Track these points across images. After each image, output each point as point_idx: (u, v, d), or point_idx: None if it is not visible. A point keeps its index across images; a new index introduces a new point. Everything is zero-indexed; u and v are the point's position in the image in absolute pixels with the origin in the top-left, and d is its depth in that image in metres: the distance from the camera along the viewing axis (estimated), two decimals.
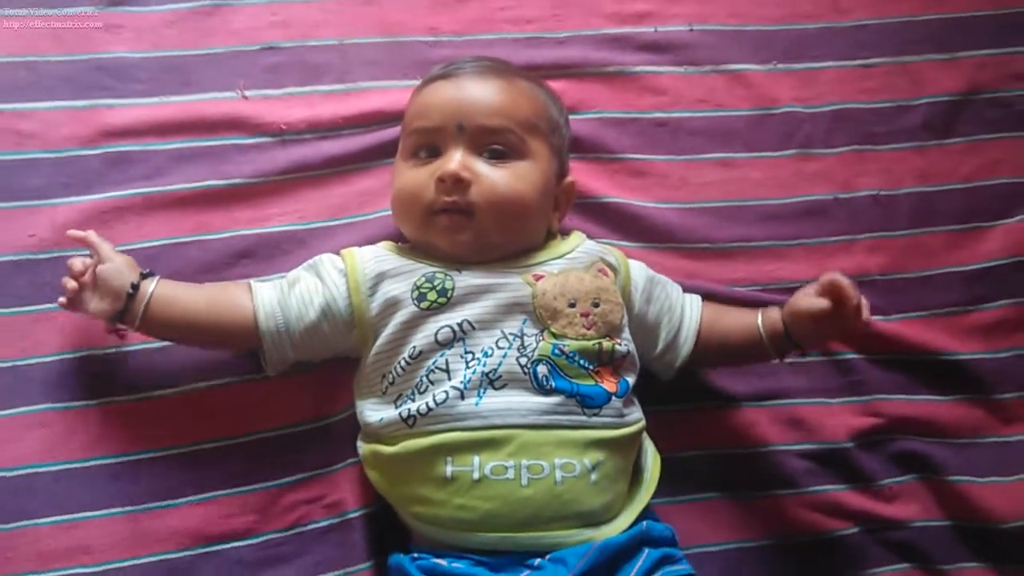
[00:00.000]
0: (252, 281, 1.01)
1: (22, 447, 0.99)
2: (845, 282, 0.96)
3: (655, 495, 1.00)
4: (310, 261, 1.02)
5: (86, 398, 1.01)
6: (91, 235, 0.97)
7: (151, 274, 0.96)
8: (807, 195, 1.20)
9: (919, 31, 1.28)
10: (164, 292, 0.95)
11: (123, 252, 0.99)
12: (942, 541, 1.12)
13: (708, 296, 1.10)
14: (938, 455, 1.14)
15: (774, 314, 1.03)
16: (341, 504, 1.02)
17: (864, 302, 0.98)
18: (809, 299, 0.98)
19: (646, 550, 0.92)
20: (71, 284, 0.95)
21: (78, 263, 0.95)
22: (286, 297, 0.97)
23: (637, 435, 0.97)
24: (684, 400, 1.12)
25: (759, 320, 1.04)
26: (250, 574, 1.00)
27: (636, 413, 0.97)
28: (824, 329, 1.00)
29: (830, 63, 1.25)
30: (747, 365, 1.13)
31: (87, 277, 0.94)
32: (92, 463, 1.00)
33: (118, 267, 0.95)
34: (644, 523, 0.94)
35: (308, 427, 1.04)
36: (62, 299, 0.96)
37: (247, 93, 1.13)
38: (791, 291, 1.10)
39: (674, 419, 1.10)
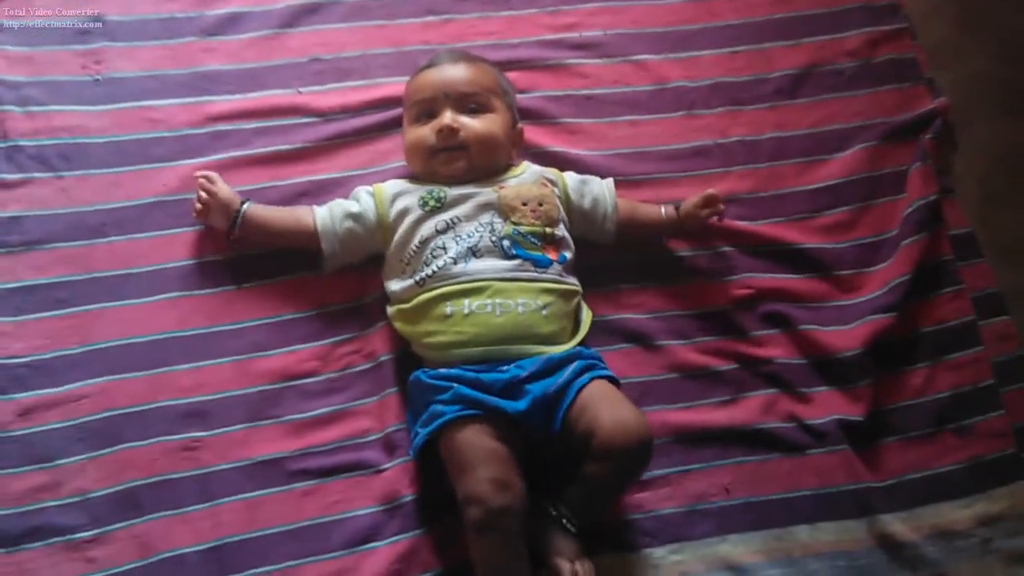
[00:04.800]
0: (313, 206, 1.39)
1: (163, 320, 1.36)
2: (718, 195, 1.41)
3: (591, 344, 1.35)
4: (352, 193, 1.40)
5: (206, 287, 1.38)
6: (212, 174, 1.37)
7: (247, 200, 1.38)
8: (694, 142, 1.56)
9: (772, 26, 1.67)
10: (254, 210, 1.37)
11: None
12: (799, 372, 1.42)
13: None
14: (794, 314, 1.45)
15: (671, 211, 1.43)
16: (375, 353, 1.36)
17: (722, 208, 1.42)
18: (698, 209, 1.40)
19: (577, 360, 1.26)
20: (198, 204, 1.36)
21: (203, 191, 1.36)
22: (334, 212, 1.37)
23: (574, 292, 1.34)
24: (612, 282, 1.45)
25: (662, 212, 1.44)
26: (316, 400, 1.34)
27: (573, 279, 1.35)
28: (701, 224, 1.42)
29: (707, 51, 1.64)
30: (649, 238, 1.47)
31: (211, 199, 1.35)
32: (210, 330, 1.36)
33: (229, 196, 1.37)
34: (577, 349, 1.31)
35: (352, 305, 1.40)
36: (198, 206, 1.36)
37: (301, 90, 1.53)
38: None
39: (607, 294, 1.44)
